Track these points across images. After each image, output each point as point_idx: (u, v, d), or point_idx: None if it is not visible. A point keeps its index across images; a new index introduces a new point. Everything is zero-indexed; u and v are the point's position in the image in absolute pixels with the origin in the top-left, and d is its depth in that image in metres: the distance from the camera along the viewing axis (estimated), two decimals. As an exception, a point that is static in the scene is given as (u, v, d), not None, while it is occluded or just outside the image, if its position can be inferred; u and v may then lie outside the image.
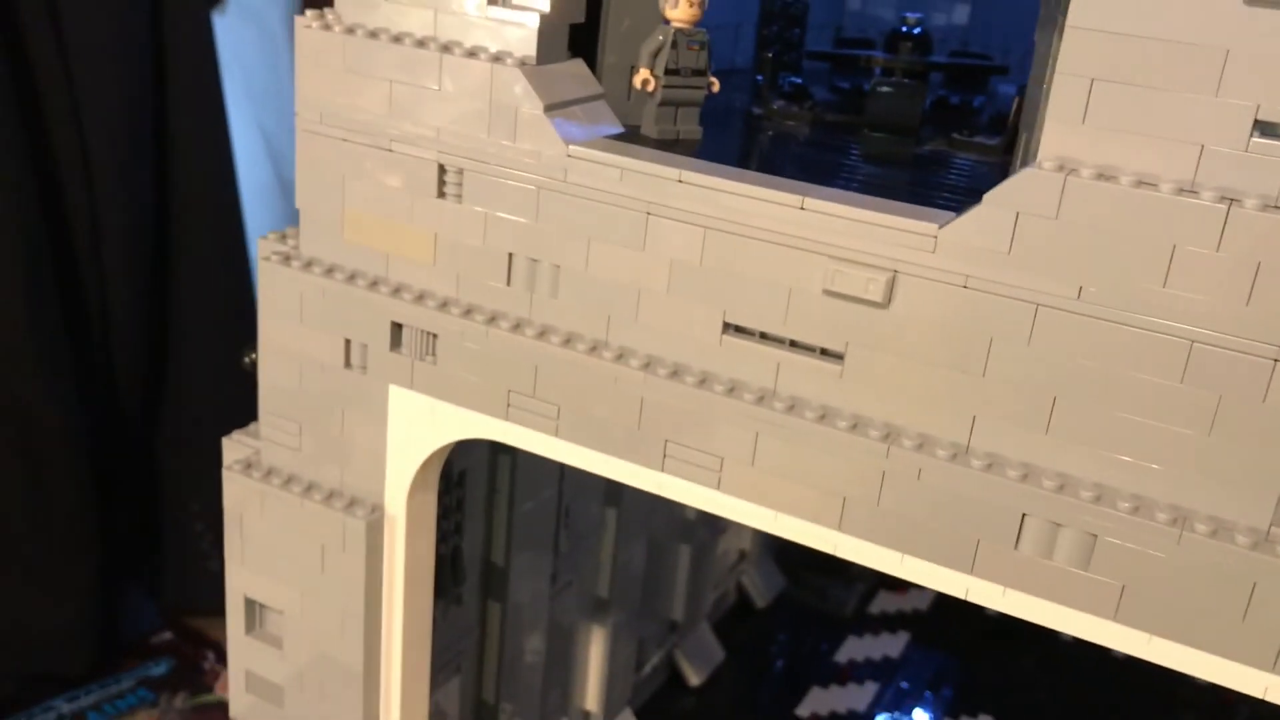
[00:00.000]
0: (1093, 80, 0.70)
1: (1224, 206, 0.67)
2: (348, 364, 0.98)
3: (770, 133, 1.04)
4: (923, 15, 1.15)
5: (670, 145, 0.90)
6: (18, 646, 1.71)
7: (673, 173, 0.82)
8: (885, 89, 1.00)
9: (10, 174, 1.51)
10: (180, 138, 1.73)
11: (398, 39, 0.90)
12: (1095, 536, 0.74)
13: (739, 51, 1.24)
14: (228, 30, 1.84)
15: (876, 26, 1.26)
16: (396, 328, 0.95)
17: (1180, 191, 0.68)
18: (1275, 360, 0.68)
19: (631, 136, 0.90)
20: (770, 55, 1.10)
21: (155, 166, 1.72)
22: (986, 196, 0.73)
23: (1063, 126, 0.71)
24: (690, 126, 0.92)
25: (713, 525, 1.78)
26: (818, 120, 1.06)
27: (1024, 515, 0.75)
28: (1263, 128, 0.67)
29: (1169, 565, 0.72)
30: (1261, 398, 0.68)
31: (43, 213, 1.58)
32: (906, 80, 1.01)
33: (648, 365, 0.86)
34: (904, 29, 1.14)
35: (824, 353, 0.81)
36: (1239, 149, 0.67)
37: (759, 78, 1.11)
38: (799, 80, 1.12)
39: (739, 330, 0.83)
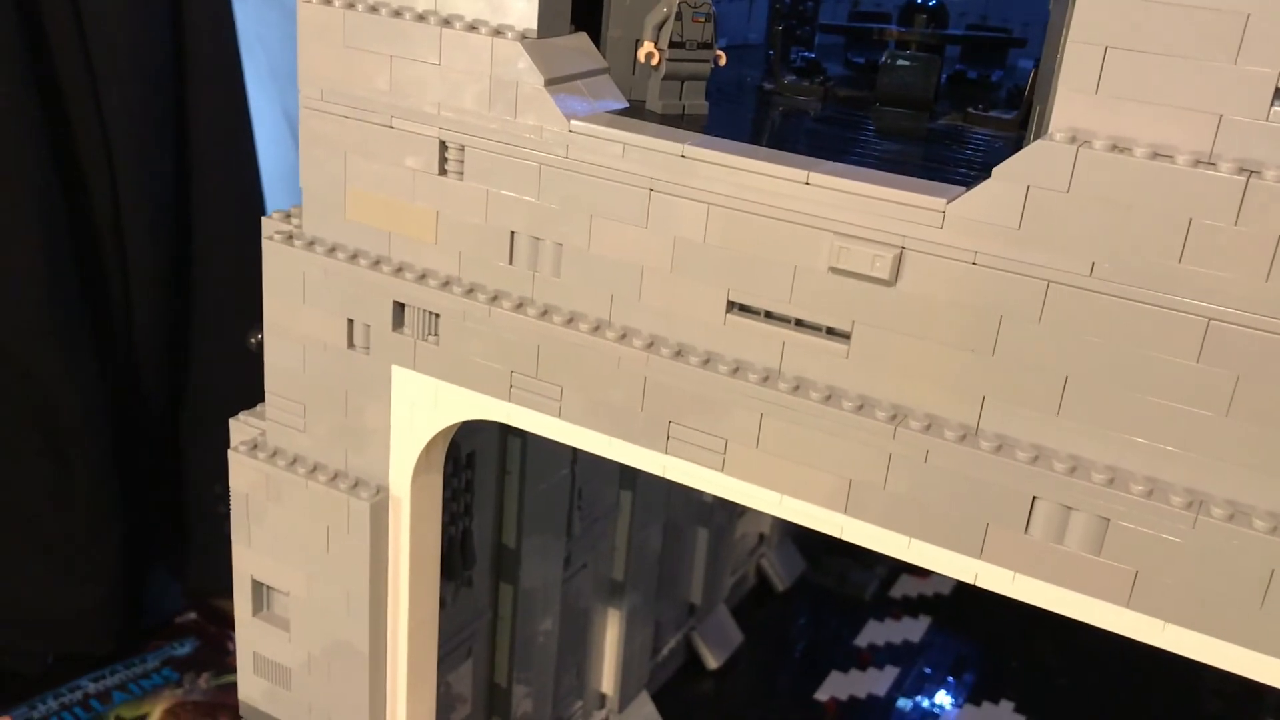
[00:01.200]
0: (1106, 48, 0.67)
1: (1243, 178, 0.64)
2: (351, 344, 0.98)
3: (781, 108, 1.01)
4: None
5: (675, 120, 0.88)
6: (44, 627, 1.73)
7: (676, 148, 0.80)
8: (899, 63, 0.98)
9: (31, 161, 1.51)
10: (201, 122, 1.73)
11: (398, 13, 0.88)
12: (1108, 520, 0.71)
13: (752, 26, 1.22)
14: (250, 13, 1.84)
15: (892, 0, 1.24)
16: (399, 307, 0.94)
17: (1197, 163, 0.66)
18: (1296, 338, 0.65)
19: (636, 111, 0.89)
20: (781, 29, 1.08)
21: (176, 151, 1.72)
22: (996, 170, 0.71)
23: (1075, 96, 0.69)
24: (696, 101, 0.90)
25: (731, 508, 1.76)
26: (830, 95, 1.03)
27: (1034, 498, 0.73)
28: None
29: (1184, 550, 0.70)
30: (1281, 377, 0.66)
31: (65, 199, 1.58)
32: (921, 54, 0.99)
33: (651, 345, 0.84)
34: (919, 1, 1.11)
35: (830, 332, 0.79)
36: (1259, 118, 0.65)
37: (770, 52, 1.09)
38: (811, 55, 1.09)
39: (744, 309, 0.82)
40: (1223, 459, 0.69)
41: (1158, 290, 0.68)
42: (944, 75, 1.08)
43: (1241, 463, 0.68)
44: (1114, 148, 0.67)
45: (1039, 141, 0.69)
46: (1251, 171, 0.64)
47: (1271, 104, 0.64)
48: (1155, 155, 0.67)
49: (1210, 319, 0.67)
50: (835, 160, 0.78)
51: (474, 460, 1.17)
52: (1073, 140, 0.68)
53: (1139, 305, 0.69)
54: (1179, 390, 0.69)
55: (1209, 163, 0.66)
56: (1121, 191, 0.67)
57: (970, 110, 0.97)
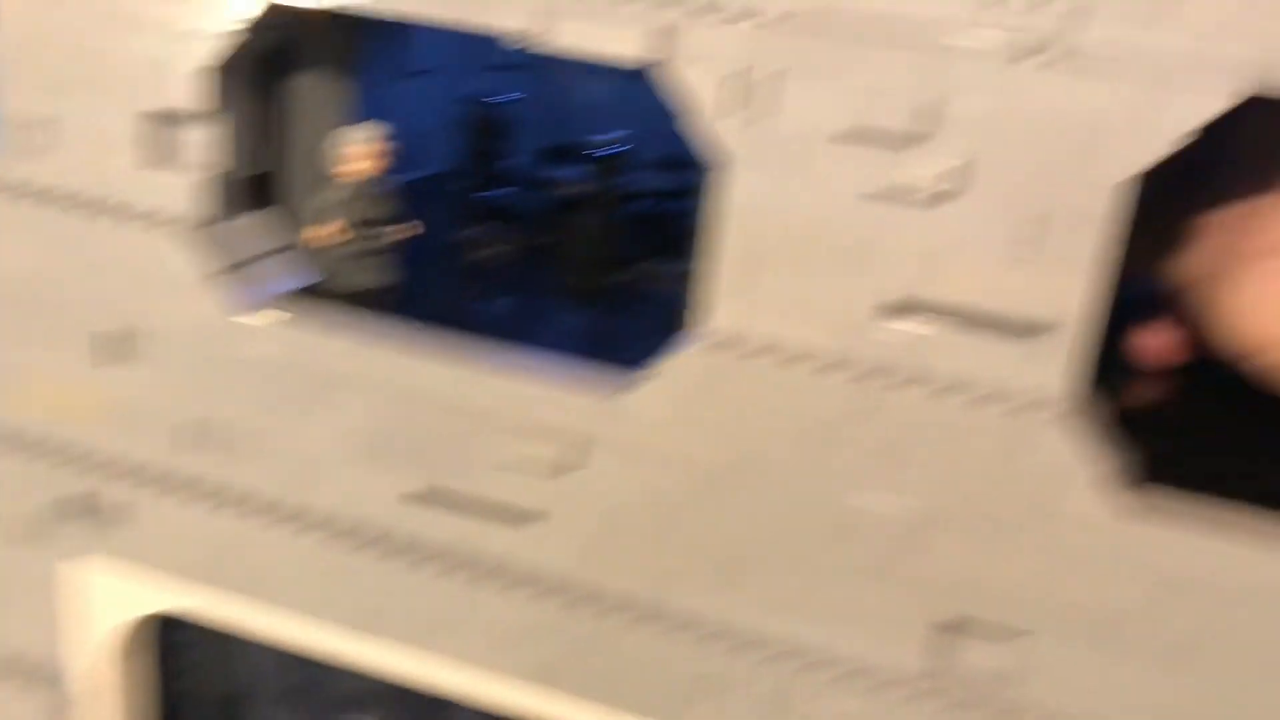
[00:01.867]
0: (750, 258, 0.73)
1: (863, 384, 0.72)
2: (20, 539, 0.92)
3: (466, 265, 1.02)
4: (622, 133, 1.13)
5: (360, 297, 0.88)
6: None
7: (343, 345, 0.81)
8: (577, 217, 1.02)
9: None
10: None
11: (49, 199, 0.84)
12: (788, 692, 0.78)
13: (446, 156, 1.22)
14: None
15: (591, 129, 1.22)
16: (65, 499, 0.89)
17: (826, 368, 0.72)
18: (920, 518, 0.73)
19: (318, 291, 0.88)
20: (466, 175, 1.09)
21: None
22: (659, 368, 0.75)
23: (725, 303, 0.74)
24: (380, 275, 0.90)
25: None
26: (515, 246, 1.05)
27: (719, 671, 0.79)
28: (893, 308, 0.71)
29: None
30: (915, 552, 0.74)
31: None
32: (599, 211, 1.03)
33: (336, 532, 0.84)
34: (599, 154, 1.12)
35: (515, 517, 0.81)
36: (874, 329, 0.72)
37: (459, 196, 1.10)
38: (499, 196, 1.11)
39: (427, 499, 0.82)
40: (868, 626, 0.77)
41: (805, 479, 0.74)
42: (630, 210, 1.11)
43: (881, 626, 0.76)
44: (761, 349, 0.73)
45: (694, 345, 0.74)
46: (866, 375, 0.72)
47: (881, 318, 0.71)
48: (792, 360, 0.73)
49: (846, 504, 0.74)
50: (513, 341, 0.81)
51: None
52: (724, 344, 0.74)
53: (790, 493, 0.75)
54: (830, 567, 0.76)
55: (837, 366, 0.73)
56: (767, 389, 0.74)
57: (647, 265, 1.01)
